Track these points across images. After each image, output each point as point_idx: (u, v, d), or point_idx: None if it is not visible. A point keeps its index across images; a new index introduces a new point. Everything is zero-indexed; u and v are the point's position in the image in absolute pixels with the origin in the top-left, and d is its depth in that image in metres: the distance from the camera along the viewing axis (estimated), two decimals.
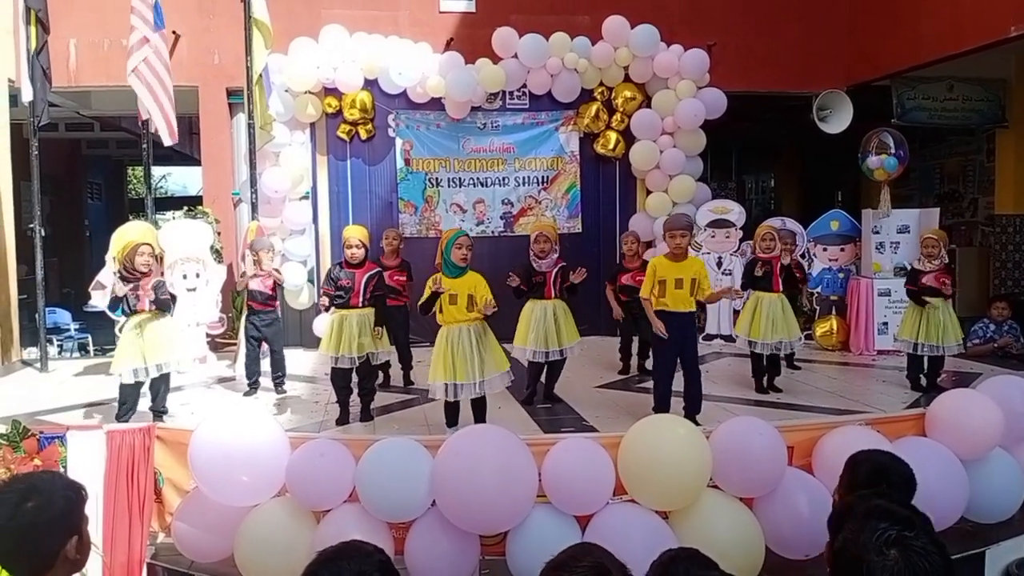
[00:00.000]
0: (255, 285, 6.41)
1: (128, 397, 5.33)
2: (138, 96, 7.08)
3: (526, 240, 6.39)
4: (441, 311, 5.03)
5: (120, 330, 5.95)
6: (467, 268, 5.06)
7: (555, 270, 5.93)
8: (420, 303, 5.08)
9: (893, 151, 7.96)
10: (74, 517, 1.96)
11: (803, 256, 8.20)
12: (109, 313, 7.17)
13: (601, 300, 8.66)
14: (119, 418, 5.23)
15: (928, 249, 6.28)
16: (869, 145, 8.15)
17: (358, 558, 1.74)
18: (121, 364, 5.24)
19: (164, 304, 5.38)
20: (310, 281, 8.39)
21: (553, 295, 5.90)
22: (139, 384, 5.35)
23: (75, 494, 1.98)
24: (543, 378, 6.08)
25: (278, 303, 6.65)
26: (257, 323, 6.42)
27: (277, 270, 6.62)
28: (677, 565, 1.96)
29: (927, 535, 1.76)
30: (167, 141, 7.31)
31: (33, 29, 7.22)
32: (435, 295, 4.95)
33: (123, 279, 5.29)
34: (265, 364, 6.60)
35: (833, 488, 4.04)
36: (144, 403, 5.53)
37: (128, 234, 5.51)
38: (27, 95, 7.22)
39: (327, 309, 5.71)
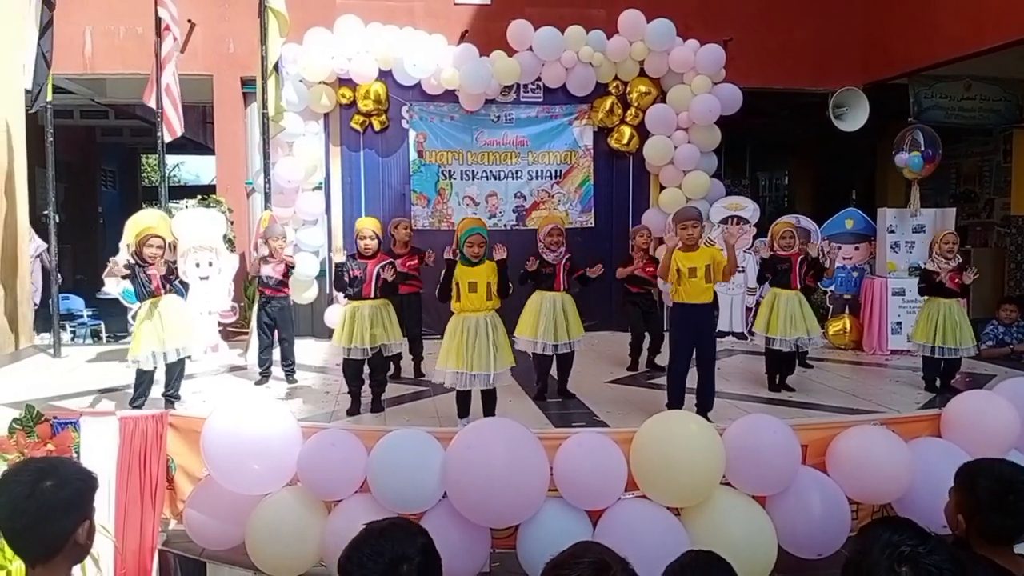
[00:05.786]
0: (267, 271, 6.42)
1: (144, 383, 5.36)
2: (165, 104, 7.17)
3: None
4: (459, 299, 5.04)
5: (134, 317, 5.97)
6: (484, 259, 5.09)
7: (563, 261, 5.94)
8: (439, 289, 5.14)
9: (922, 148, 7.86)
10: (88, 501, 1.98)
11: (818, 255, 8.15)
12: (123, 300, 7.21)
13: (612, 295, 8.66)
14: (133, 404, 5.26)
15: (948, 246, 6.26)
16: (903, 142, 8.03)
17: (402, 538, 1.72)
18: (139, 349, 5.25)
19: (178, 292, 5.43)
20: (317, 277, 8.38)
21: (562, 287, 5.89)
22: (155, 370, 5.37)
23: (88, 480, 2.01)
24: (554, 373, 6.06)
25: (289, 290, 6.65)
26: (268, 309, 6.43)
27: (290, 256, 6.60)
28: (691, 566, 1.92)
29: (943, 551, 1.69)
30: (178, 132, 7.40)
31: (39, 9, 7.17)
32: (450, 275, 5.04)
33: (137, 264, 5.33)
34: (276, 353, 6.61)
35: (847, 491, 4.06)
36: (157, 389, 5.55)
37: (142, 222, 5.54)
38: (29, 84, 7.21)
39: (349, 288, 5.65)
